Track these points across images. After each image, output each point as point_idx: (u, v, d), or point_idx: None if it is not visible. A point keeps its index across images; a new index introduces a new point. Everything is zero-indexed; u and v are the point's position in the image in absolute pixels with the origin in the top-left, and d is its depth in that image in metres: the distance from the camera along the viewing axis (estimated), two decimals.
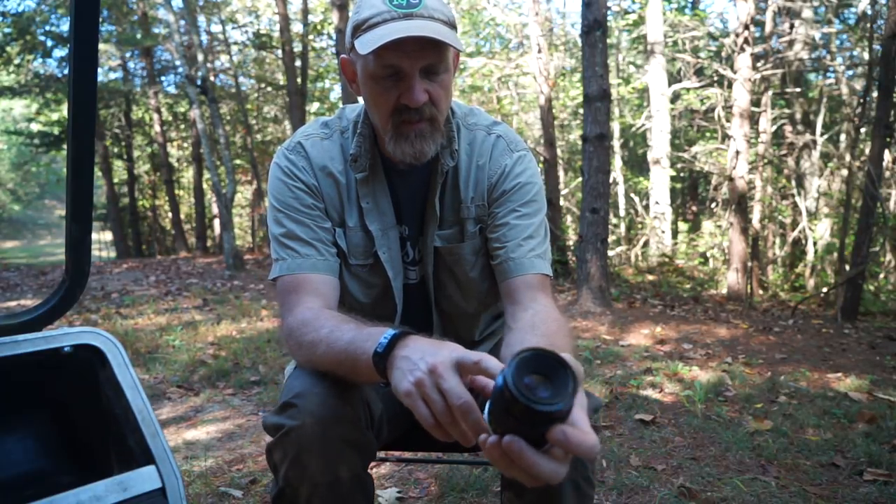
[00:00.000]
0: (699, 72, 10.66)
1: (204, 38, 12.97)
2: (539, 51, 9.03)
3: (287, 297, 1.09)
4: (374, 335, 0.87)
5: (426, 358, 0.77)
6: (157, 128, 15.28)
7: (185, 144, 17.67)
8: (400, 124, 1.07)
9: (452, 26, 1.05)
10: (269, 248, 1.20)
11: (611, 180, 8.10)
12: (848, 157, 9.25)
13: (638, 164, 14.09)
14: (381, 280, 1.20)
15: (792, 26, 9.88)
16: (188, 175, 17.97)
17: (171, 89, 15.55)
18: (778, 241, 10.70)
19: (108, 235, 17.80)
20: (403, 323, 1.24)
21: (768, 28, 9.75)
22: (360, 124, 1.17)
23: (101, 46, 11.70)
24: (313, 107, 15.13)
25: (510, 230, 1.15)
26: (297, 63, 12.36)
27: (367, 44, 1.00)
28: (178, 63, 13.47)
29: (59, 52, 12.79)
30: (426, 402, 0.76)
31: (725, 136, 9.41)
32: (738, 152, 8.11)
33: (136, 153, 17.19)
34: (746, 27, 7.94)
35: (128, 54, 14.41)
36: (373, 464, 2.21)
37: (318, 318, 1.01)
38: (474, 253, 1.20)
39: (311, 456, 0.92)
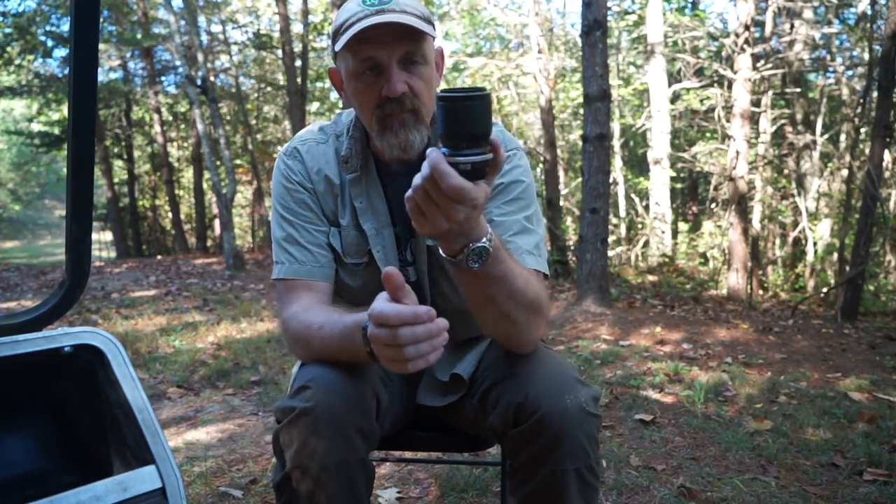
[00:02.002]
0: (699, 72, 10.66)
1: (204, 38, 12.98)
2: (539, 51, 9.03)
3: (284, 297, 1.18)
4: (363, 317, 0.92)
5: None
6: (157, 128, 15.28)
7: (186, 144, 17.67)
8: (384, 118, 1.11)
9: (427, 21, 1.08)
10: (271, 249, 1.24)
11: (611, 180, 8.11)
12: (848, 158, 9.25)
13: (638, 165, 14.09)
14: (376, 278, 1.21)
15: (792, 26, 9.88)
16: (188, 175, 17.97)
17: (172, 89, 15.56)
18: (778, 241, 10.70)
19: (108, 235, 17.79)
20: None
21: (768, 28, 9.75)
22: (352, 127, 1.23)
23: (102, 46, 11.70)
24: (313, 107, 15.13)
25: (496, 227, 1.14)
26: (298, 63, 12.36)
27: (343, 41, 1.06)
28: (178, 63, 13.47)
29: (60, 53, 12.79)
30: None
31: (725, 137, 9.41)
32: (738, 152, 8.12)
33: (136, 153, 17.18)
34: (747, 27, 7.94)
35: (128, 54, 14.41)
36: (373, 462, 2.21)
37: (309, 315, 1.08)
38: None
39: (320, 438, 0.95)
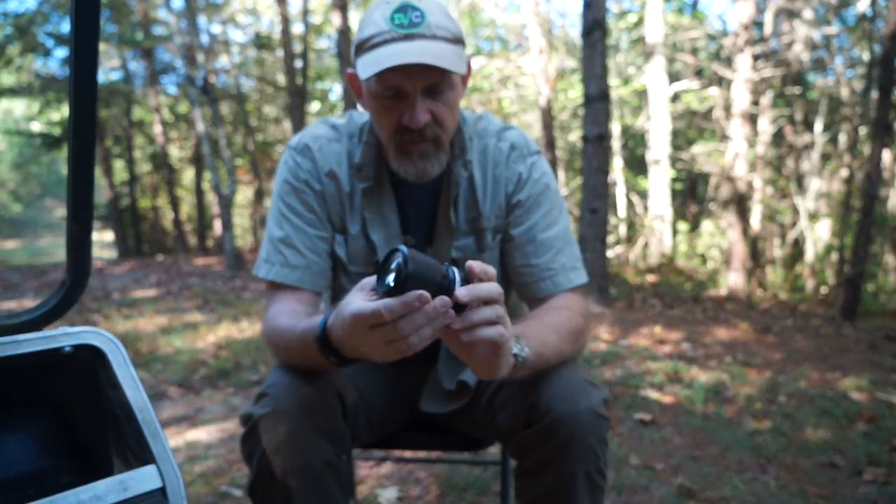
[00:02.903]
0: (699, 72, 10.65)
1: (205, 38, 12.98)
2: (539, 51, 9.03)
3: (270, 297, 1.14)
4: (315, 323, 0.90)
5: (342, 311, 0.79)
6: (157, 128, 15.28)
7: (186, 146, 17.67)
8: (403, 144, 1.07)
9: (458, 42, 1.03)
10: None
11: (610, 181, 8.11)
12: (848, 158, 9.25)
13: (638, 165, 14.09)
14: None
15: (791, 26, 9.87)
16: (189, 175, 17.97)
17: (172, 90, 15.57)
18: (777, 241, 10.70)
19: (108, 235, 17.79)
20: None
21: (768, 28, 9.74)
22: (367, 133, 1.17)
23: (102, 47, 11.69)
24: (314, 107, 15.14)
25: (539, 247, 1.14)
26: (298, 63, 12.35)
27: (366, 67, 1.00)
28: (178, 64, 13.48)
29: (60, 53, 12.80)
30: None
31: (724, 137, 9.41)
32: (737, 153, 8.12)
33: (136, 153, 17.19)
34: (746, 28, 7.95)
35: (128, 55, 14.41)
36: (372, 463, 2.22)
37: (280, 318, 1.05)
38: (494, 262, 1.19)
39: (280, 442, 0.96)
